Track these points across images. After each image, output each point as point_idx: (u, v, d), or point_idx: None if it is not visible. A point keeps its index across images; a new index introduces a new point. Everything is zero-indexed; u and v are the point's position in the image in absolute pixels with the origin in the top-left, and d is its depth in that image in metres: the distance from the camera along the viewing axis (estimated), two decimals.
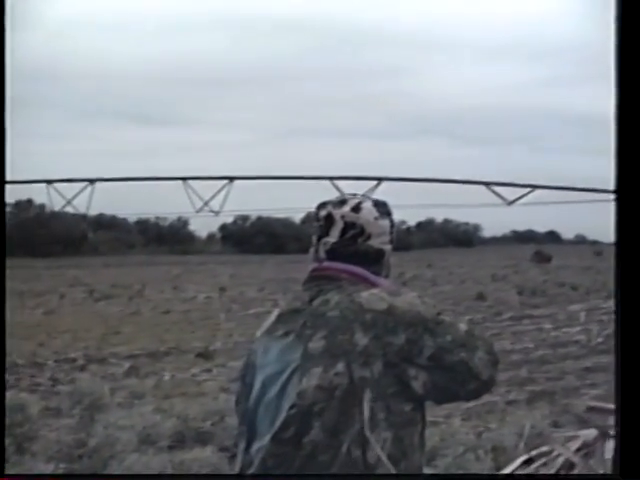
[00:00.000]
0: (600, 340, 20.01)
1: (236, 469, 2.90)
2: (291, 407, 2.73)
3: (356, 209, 2.91)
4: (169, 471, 8.42)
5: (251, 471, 2.80)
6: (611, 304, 25.92)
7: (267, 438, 2.77)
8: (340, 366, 2.70)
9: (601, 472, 1.25)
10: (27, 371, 16.31)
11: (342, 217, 2.90)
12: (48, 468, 8.65)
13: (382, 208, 2.97)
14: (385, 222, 2.94)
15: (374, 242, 2.91)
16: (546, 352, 18.79)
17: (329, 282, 2.89)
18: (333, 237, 2.90)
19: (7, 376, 15.08)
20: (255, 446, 2.81)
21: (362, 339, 2.71)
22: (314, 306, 2.84)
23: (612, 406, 1.47)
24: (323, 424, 2.71)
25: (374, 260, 2.92)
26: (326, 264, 2.92)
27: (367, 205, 2.93)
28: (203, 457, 8.76)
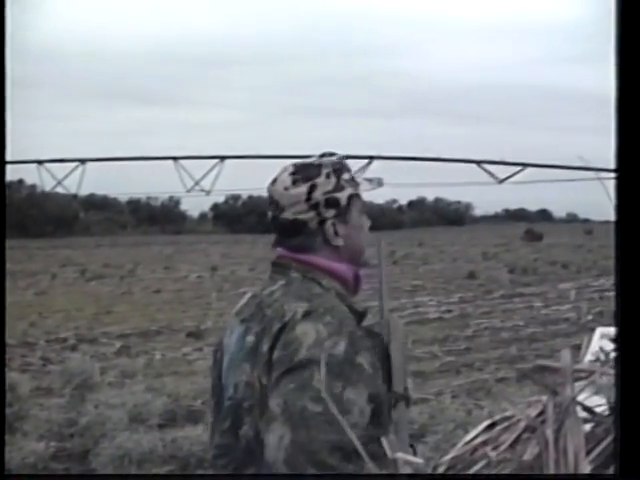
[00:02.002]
0: (590, 318, 20.08)
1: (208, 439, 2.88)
2: (229, 398, 2.68)
3: (273, 181, 2.75)
4: (160, 449, 8.47)
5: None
6: (601, 282, 25.87)
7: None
8: (260, 369, 2.58)
9: (550, 430, 1.23)
10: (18, 351, 16.31)
11: (268, 192, 2.77)
12: (39, 446, 8.69)
13: (300, 174, 2.72)
14: (299, 189, 2.69)
15: (287, 214, 2.69)
16: (536, 330, 18.85)
17: (282, 271, 2.76)
18: (269, 214, 2.78)
19: None
20: None
21: (265, 346, 2.57)
22: (262, 296, 2.72)
23: (560, 364, 1.46)
24: (252, 421, 2.59)
25: (294, 232, 2.71)
26: (278, 250, 2.80)
27: (283, 175, 2.73)
28: (194, 435, 8.80)
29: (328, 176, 2.70)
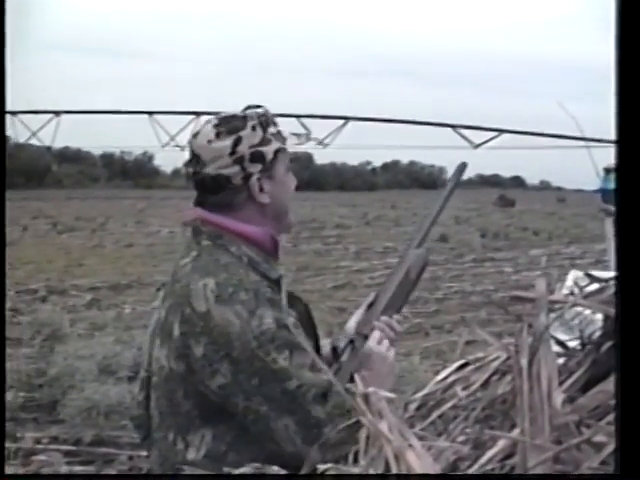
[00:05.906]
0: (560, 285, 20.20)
1: None
2: (145, 369, 2.62)
3: (195, 134, 2.58)
4: (128, 401, 8.48)
5: None
6: (572, 250, 26.01)
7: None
8: (164, 349, 2.49)
9: (524, 359, 1.23)
10: None
11: (189, 146, 2.58)
12: (7, 396, 8.68)
13: (224, 126, 2.54)
14: (223, 143, 2.51)
15: (210, 169, 2.50)
16: (506, 294, 18.95)
17: (196, 238, 2.58)
18: (189, 171, 2.59)
19: None
20: None
21: (176, 330, 2.44)
22: (177, 266, 2.56)
23: (534, 294, 1.49)
24: (157, 400, 2.56)
25: (216, 189, 2.53)
26: (197, 212, 2.60)
27: (206, 127, 2.55)
28: None
29: (254, 129, 2.53)
